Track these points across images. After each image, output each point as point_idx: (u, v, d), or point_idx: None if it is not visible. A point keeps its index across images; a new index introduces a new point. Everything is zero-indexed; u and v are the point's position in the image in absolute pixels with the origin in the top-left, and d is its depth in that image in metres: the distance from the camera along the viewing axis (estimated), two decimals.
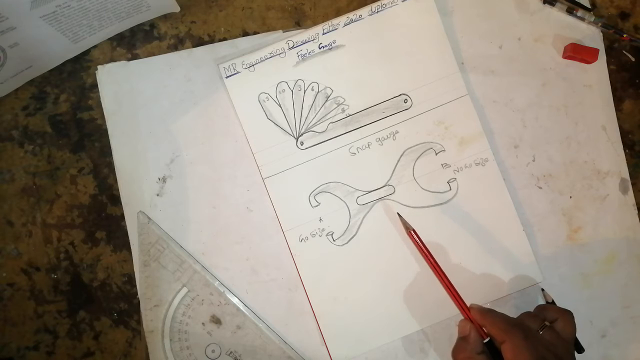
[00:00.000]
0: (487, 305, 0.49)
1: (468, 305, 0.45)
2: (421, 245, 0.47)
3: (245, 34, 0.53)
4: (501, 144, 0.51)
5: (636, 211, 0.52)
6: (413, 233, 0.47)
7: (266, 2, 0.53)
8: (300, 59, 0.51)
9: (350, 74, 0.51)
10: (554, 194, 0.52)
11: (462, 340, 0.45)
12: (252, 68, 0.51)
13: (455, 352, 0.44)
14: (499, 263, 0.50)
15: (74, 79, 0.52)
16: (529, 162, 0.52)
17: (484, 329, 0.44)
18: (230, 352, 0.49)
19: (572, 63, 0.53)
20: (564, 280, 0.51)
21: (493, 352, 0.43)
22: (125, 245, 0.51)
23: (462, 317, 0.46)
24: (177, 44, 0.52)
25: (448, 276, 0.46)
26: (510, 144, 0.52)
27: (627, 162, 0.52)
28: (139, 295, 0.50)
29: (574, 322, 0.44)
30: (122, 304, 0.51)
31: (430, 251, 0.47)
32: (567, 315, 0.44)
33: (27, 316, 0.51)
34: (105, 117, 0.51)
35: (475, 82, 0.52)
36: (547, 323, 0.43)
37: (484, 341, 0.44)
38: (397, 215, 0.50)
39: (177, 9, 0.51)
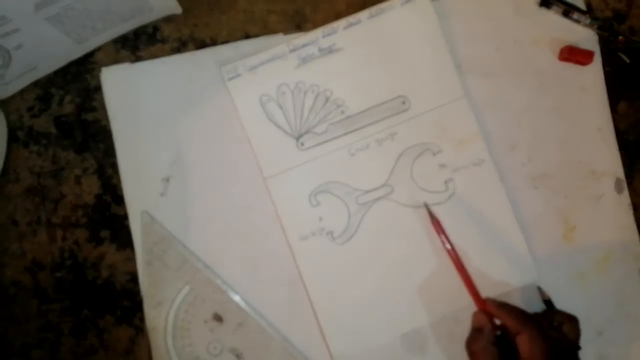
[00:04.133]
0: None
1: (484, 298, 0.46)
2: (444, 236, 0.47)
3: (247, 37, 0.53)
4: (497, 145, 0.52)
5: (631, 211, 0.53)
6: (437, 224, 0.48)
7: (268, 6, 0.53)
8: (301, 61, 0.51)
9: (349, 76, 0.51)
10: (549, 194, 0.52)
11: (476, 331, 0.45)
12: (253, 70, 0.51)
13: (470, 343, 0.45)
14: (495, 262, 0.50)
15: (78, 81, 0.53)
16: (525, 163, 0.52)
17: (496, 321, 0.45)
18: (232, 350, 0.50)
19: (568, 65, 0.53)
20: (560, 279, 0.51)
21: (503, 344, 0.43)
22: (129, 244, 0.51)
23: (475, 310, 0.46)
24: (180, 47, 0.53)
25: (470, 276, 0.47)
26: (506, 145, 0.52)
27: (622, 162, 0.53)
28: (142, 293, 0.50)
29: (579, 328, 0.45)
30: (126, 302, 0.51)
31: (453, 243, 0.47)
32: (573, 319, 0.45)
33: (31, 314, 0.51)
34: (110, 118, 0.51)
35: (472, 84, 0.52)
36: (555, 324, 0.44)
37: (497, 333, 0.44)
38: (396, 214, 0.50)
39: (179, 10, 0.52)
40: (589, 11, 0.54)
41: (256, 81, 0.51)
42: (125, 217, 0.51)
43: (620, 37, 0.53)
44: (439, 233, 0.48)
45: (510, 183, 0.52)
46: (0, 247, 0.52)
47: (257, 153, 0.51)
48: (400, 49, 0.52)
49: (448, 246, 0.47)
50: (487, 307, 0.45)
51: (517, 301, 0.50)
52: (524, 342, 0.41)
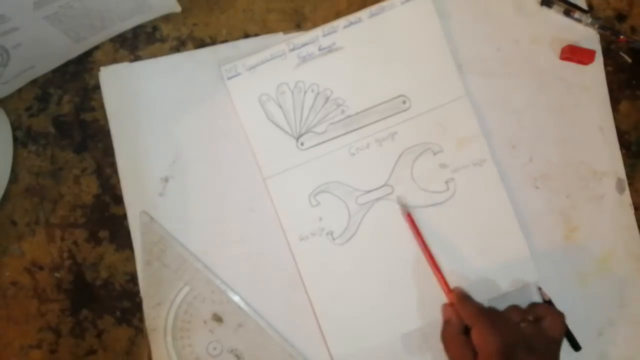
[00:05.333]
0: (485, 303, 0.49)
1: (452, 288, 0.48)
2: (414, 228, 0.49)
3: (247, 36, 0.53)
4: (498, 145, 0.52)
5: (632, 211, 0.52)
6: (409, 216, 0.49)
7: (267, 5, 0.53)
8: (301, 60, 0.51)
9: (349, 75, 0.51)
10: (550, 194, 0.52)
11: (445, 323, 0.47)
12: (253, 70, 0.51)
13: (442, 334, 0.47)
14: (496, 262, 0.50)
15: (77, 80, 0.52)
16: (526, 163, 0.52)
17: None
18: (232, 350, 0.50)
19: (569, 64, 0.53)
20: (560, 280, 0.51)
21: None
22: (128, 245, 0.51)
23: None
24: (179, 46, 0.53)
25: (440, 268, 0.48)
26: (507, 144, 0.52)
27: (624, 163, 0.53)
28: (142, 293, 0.50)
29: (563, 323, 0.45)
30: (125, 303, 0.51)
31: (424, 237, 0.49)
32: (556, 314, 0.45)
33: (30, 315, 0.51)
34: (108, 118, 0.51)
35: (473, 83, 0.52)
36: (530, 318, 0.45)
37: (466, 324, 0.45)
38: (396, 214, 0.50)
39: (178, 8, 0.51)
40: (590, 10, 0.54)
41: (256, 80, 0.51)
42: (124, 217, 0.51)
43: (622, 37, 0.53)
44: (411, 225, 0.49)
45: (511, 183, 0.51)
46: None
47: (257, 153, 0.51)
48: (401, 48, 0.52)
49: (419, 239, 0.49)
50: (451, 299, 0.47)
51: (517, 302, 0.49)
52: (475, 336, 0.43)
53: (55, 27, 0.46)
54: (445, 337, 0.46)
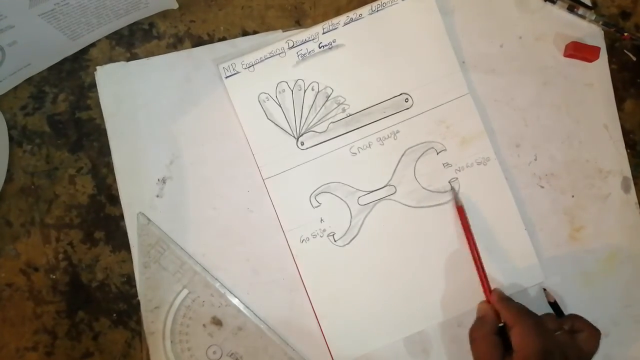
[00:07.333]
0: None
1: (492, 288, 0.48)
2: (464, 223, 0.49)
3: (245, 33, 0.52)
4: (502, 143, 0.51)
5: (638, 210, 0.52)
6: (460, 209, 0.49)
7: (266, 1, 0.53)
8: (300, 58, 0.51)
9: (350, 73, 0.51)
10: (555, 193, 0.51)
11: (479, 320, 0.47)
12: (251, 68, 0.50)
13: (472, 330, 0.46)
14: (501, 262, 0.50)
15: (72, 79, 0.52)
16: (530, 161, 0.52)
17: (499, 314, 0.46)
18: (232, 354, 0.49)
19: (573, 61, 0.52)
20: (565, 280, 0.51)
21: (506, 338, 0.44)
22: (124, 246, 0.50)
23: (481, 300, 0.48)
24: (176, 43, 0.52)
25: (483, 265, 0.48)
26: (511, 143, 0.52)
27: (629, 162, 0.52)
28: (140, 297, 0.50)
29: (598, 340, 0.45)
30: (121, 305, 0.51)
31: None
32: (594, 331, 0.45)
33: (25, 317, 0.51)
34: (104, 117, 0.51)
35: (477, 81, 0.52)
36: (565, 327, 0.45)
37: (499, 325, 0.45)
38: (399, 215, 0.50)
39: (175, 5, 0.51)
40: (594, 7, 0.53)
41: (254, 79, 0.50)
42: (120, 217, 0.51)
43: (626, 34, 0.52)
44: (461, 219, 0.49)
45: (515, 182, 0.51)
46: None
47: (256, 153, 0.50)
48: (403, 45, 0.51)
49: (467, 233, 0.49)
50: (491, 298, 0.47)
51: (523, 302, 0.49)
52: (515, 336, 0.43)
53: (51, 25, 0.46)
54: (476, 334, 0.45)
